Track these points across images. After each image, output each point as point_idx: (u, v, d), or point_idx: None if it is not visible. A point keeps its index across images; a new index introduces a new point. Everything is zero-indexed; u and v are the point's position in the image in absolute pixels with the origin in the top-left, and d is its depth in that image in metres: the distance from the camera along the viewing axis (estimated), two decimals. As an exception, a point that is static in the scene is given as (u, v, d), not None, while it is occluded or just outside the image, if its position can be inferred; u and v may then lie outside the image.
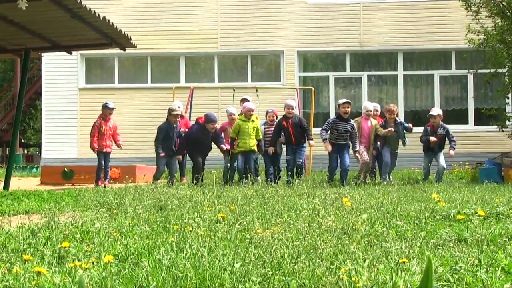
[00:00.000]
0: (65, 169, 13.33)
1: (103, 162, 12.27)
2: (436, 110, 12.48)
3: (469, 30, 14.56)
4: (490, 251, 3.83)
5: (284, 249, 4.27)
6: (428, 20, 18.57)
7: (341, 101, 11.67)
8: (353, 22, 18.89)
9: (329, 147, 11.20)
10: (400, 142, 12.29)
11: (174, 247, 4.36)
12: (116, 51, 12.39)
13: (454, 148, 11.90)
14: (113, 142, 12.48)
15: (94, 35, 10.49)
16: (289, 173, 11.17)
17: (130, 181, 10.53)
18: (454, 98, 19.36)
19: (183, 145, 11.64)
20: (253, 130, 11.66)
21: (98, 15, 9.47)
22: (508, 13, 13.81)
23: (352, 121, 11.51)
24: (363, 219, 4.59)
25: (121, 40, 11.03)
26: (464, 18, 15.13)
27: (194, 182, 10.04)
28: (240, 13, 18.77)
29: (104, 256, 4.11)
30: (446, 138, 12.09)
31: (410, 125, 12.33)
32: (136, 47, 11.61)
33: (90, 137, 12.29)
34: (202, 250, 4.22)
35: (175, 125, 11.54)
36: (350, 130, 11.29)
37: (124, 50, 11.79)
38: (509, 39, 13.72)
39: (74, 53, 14.41)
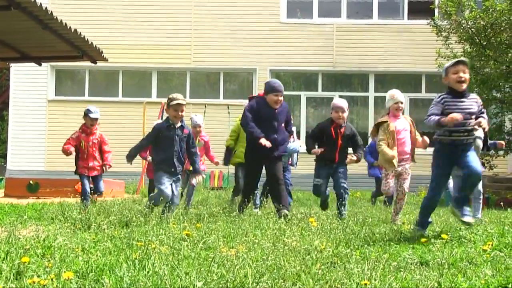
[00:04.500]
0: (31, 182, 13.11)
1: (87, 188, 9.21)
2: None
3: (439, 55, 14.79)
4: (450, 275, 3.86)
5: (248, 269, 4.25)
6: (400, 44, 18.81)
7: (450, 64, 6.32)
8: (327, 42, 19.05)
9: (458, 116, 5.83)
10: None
11: (137, 265, 4.32)
12: (87, 63, 12.30)
13: None
14: (100, 159, 9.43)
15: (64, 47, 10.39)
16: (323, 201, 8.64)
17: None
18: (423, 121, 19.56)
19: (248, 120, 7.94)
20: None
21: (70, 27, 9.40)
22: (477, 40, 14.07)
23: (475, 96, 6.41)
24: (315, 245, 4.59)
25: (92, 53, 10.95)
26: (435, 42, 15.37)
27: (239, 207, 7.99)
28: (214, 30, 18.81)
29: (64, 272, 4.06)
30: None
31: (502, 142, 9.60)
32: (107, 60, 11.54)
33: (63, 146, 9.17)
34: (164, 268, 4.19)
35: (178, 125, 7.62)
36: (476, 110, 6.10)
37: (95, 63, 11.71)
38: (477, 65, 13.96)
39: (44, 64, 14.26)
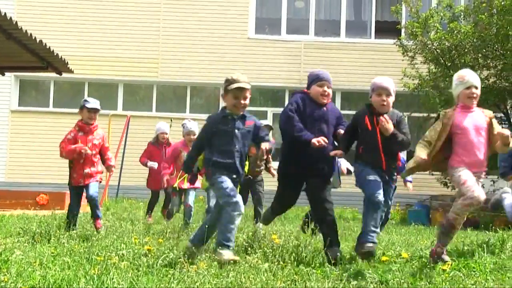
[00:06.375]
0: (-11, 193, 12.85)
1: (76, 206, 7.51)
2: None
3: (404, 74, 14.99)
4: (409, 295, 3.88)
5: (208, 285, 4.23)
6: (366, 62, 18.98)
7: None
8: (294, 59, 19.15)
9: None
10: None
11: (95, 280, 4.26)
12: (53, 74, 12.15)
13: None
14: (98, 164, 7.65)
15: (29, 58, 10.27)
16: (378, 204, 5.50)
17: (58, 208, 10.23)
18: (388, 139, 19.76)
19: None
20: None
21: (35, 38, 9.30)
22: (442, 61, 14.30)
23: None
24: (265, 268, 4.58)
25: (58, 64, 10.85)
26: (400, 62, 15.56)
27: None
28: (182, 44, 18.77)
29: (21, 287, 3.98)
30: None
31: None
32: (73, 72, 11.43)
33: (61, 154, 7.46)
34: (123, 284, 4.14)
35: (239, 118, 5.51)
36: None
37: (60, 74, 11.59)
38: (442, 85, 14.18)
39: (7, 73, 14.05)
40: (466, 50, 13.97)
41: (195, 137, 8.17)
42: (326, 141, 5.51)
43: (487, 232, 7.53)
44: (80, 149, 7.27)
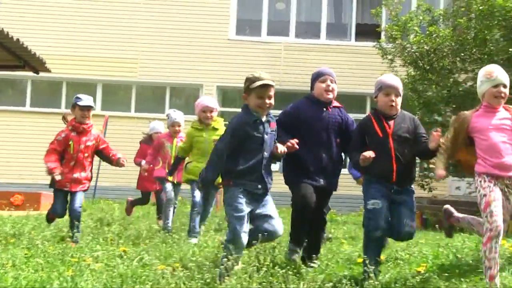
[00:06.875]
0: (-37, 193, 12.70)
1: (59, 211, 6.88)
2: None
3: (383, 77, 15.04)
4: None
5: (183, 287, 4.21)
6: (346, 64, 19.03)
7: None
8: (274, 61, 19.16)
9: None
10: None
11: (69, 281, 4.23)
12: (30, 73, 12.03)
13: None
14: (88, 170, 6.95)
15: (6, 56, 10.19)
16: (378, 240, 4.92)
17: (33, 209, 10.13)
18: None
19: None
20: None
21: (11, 36, 9.22)
22: (421, 64, 14.38)
23: None
24: (236, 270, 4.54)
25: (35, 63, 10.77)
26: (380, 65, 15.62)
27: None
28: (161, 44, 18.69)
29: (-9, 288, 3.94)
30: None
31: None
32: (50, 71, 11.34)
33: (44, 157, 6.74)
34: (97, 285, 4.12)
35: (265, 120, 4.87)
36: None
37: (37, 73, 11.50)
38: (420, 88, 14.24)
39: (-16, 72, 13.92)
40: (444, 54, 14.05)
41: (180, 128, 8.27)
42: (294, 142, 4.89)
43: (461, 234, 7.57)
44: (54, 173, 6.59)
